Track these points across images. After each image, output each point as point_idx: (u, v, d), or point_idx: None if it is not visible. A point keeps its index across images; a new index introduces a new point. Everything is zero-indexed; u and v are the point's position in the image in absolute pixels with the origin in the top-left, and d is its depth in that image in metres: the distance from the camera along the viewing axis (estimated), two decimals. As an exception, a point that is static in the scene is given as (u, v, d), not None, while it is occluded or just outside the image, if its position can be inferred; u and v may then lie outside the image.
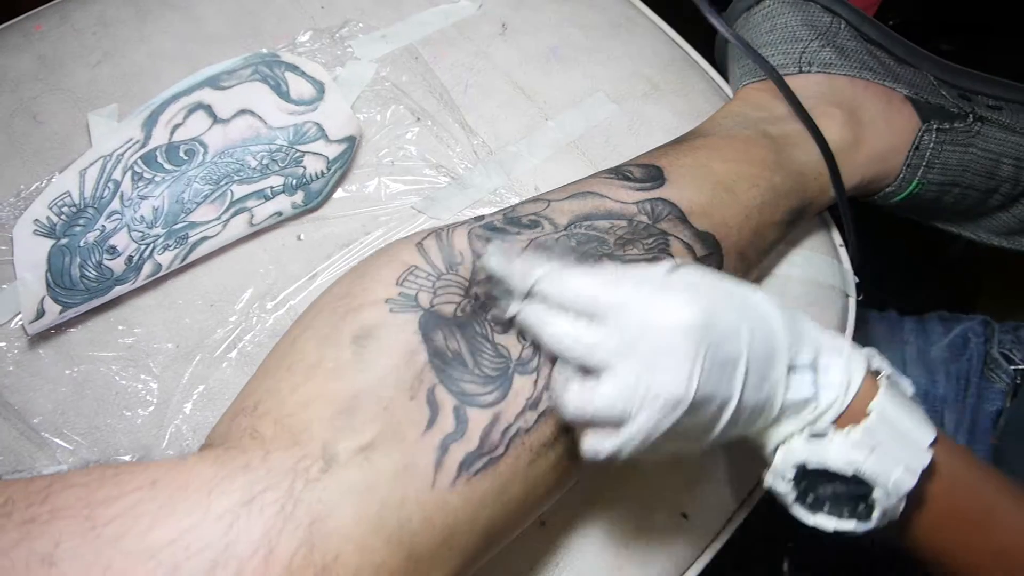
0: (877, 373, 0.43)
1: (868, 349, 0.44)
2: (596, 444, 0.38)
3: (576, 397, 0.38)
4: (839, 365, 0.42)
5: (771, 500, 0.45)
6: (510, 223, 0.47)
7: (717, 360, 0.38)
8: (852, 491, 0.41)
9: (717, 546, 0.51)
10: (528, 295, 0.40)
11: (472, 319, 0.42)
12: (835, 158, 0.57)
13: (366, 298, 0.41)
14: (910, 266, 1.23)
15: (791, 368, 0.40)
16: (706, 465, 0.52)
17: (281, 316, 0.54)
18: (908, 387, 0.44)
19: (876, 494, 0.41)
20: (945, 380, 0.73)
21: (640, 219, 0.49)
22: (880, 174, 0.60)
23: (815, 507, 0.42)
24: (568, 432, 0.42)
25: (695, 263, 0.45)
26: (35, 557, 0.30)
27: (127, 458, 0.50)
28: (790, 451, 0.42)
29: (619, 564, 0.49)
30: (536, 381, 0.41)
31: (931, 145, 0.60)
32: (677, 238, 0.49)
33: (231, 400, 0.42)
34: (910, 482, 0.41)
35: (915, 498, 0.42)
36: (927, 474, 0.41)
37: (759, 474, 0.53)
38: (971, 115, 0.61)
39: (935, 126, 0.60)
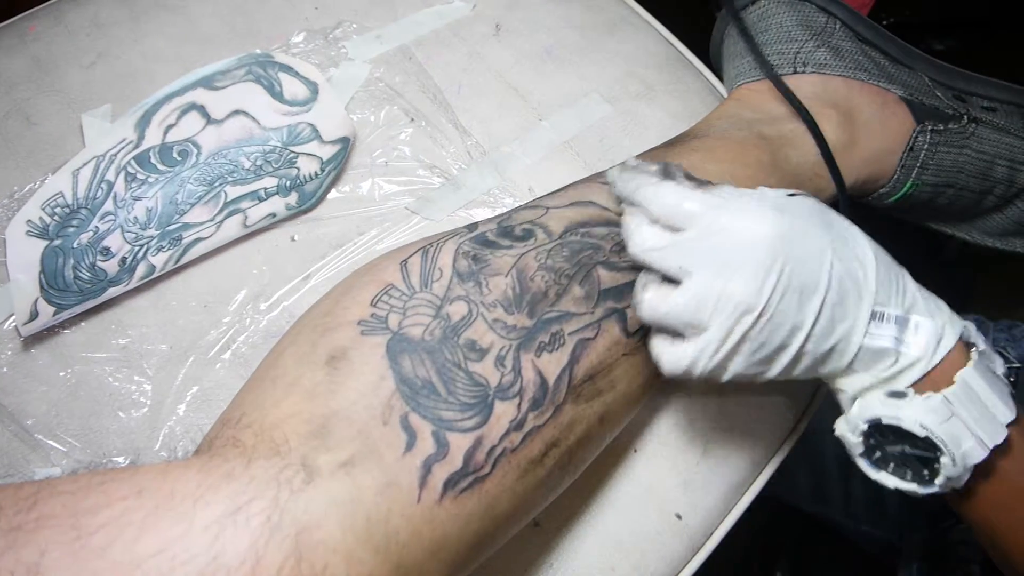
0: (971, 346, 0.43)
1: (968, 321, 0.44)
2: (666, 351, 0.41)
3: (651, 298, 0.41)
4: (929, 327, 0.42)
5: (766, 504, 0.46)
6: (503, 234, 0.47)
7: (795, 281, 0.39)
8: (920, 454, 0.42)
9: (711, 547, 0.51)
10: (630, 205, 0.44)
11: (442, 345, 0.41)
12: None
13: (344, 318, 0.41)
14: (905, 266, 1.24)
15: (876, 315, 0.41)
16: (700, 466, 0.52)
17: (275, 317, 0.54)
18: (999, 365, 0.44)
19: (943, 460, 0.41)
20: None
21: (635, 223, 0.49)
22: (875, 175, 0.60)
23: (880, 464, 0.43)
24: (557, 446, 0.41)
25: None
26: (21, 567, 0.30)
27: (120, 459, 0.50)
28: (866, 405, 0.42)
29: (612, 564, 0.49)
30: (519, 404, 0.40)
31: (925, 146, 0.60)
32: (672, 241, 0.49)
33: (225, 401, 0.43)
34: (980, 455, 0.41)
35: (983, 472, 0.42)
36: (1000, 451, 0.41)
37: (755, 475, 0.53)
38: (965, 116, 0.61)
39: (929, 127, 0.60)
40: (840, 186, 0.57)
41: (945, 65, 0.64)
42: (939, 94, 0.62)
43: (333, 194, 0.59)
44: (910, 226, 0.71)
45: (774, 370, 0.41)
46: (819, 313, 0.40)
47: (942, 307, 0.43)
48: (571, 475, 0.44)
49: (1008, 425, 0.42)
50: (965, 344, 0.43)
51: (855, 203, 0.64)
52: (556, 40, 0.68)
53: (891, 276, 0.42)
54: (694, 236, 0.40)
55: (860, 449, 0.43)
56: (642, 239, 0.41)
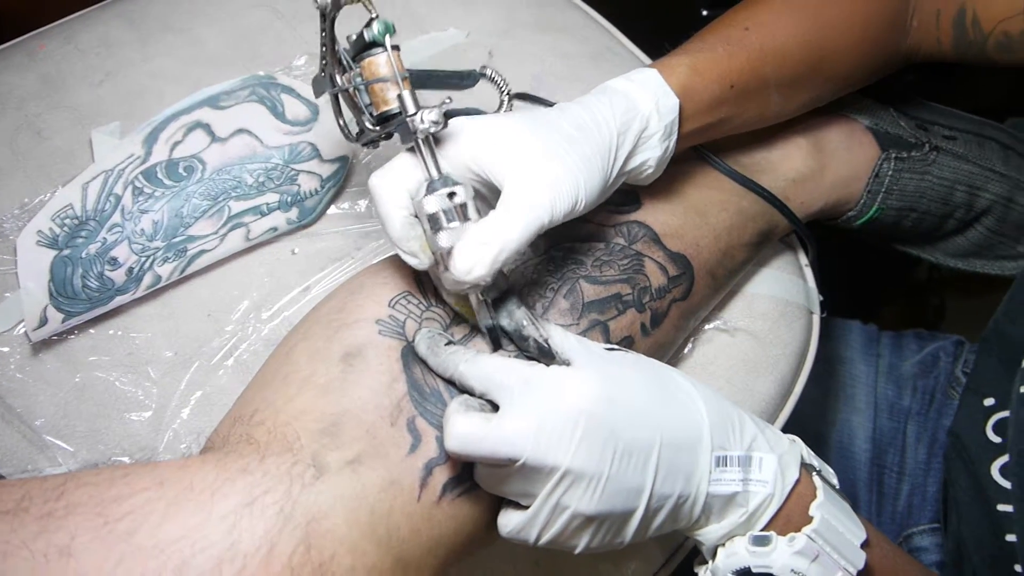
0: (810, 467, 0.44)
1: (798, 441, 0.45)
2: (505, 520, 0.41)
3: (480, 472, 0.40)
4: (772, 461, 0.42)
5: None
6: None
7: (622, 445, 0.38)
8: None
9: (689, 546, 0.54)
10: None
11: None
12: (800, 184, 0.61)
13: (360, 315, 0.44)
14: (880, 286, 1.28)
15: (720, 460, 0.41)
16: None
17: (276, 326, 0.57)
18: (833, 477, 0.46)
19: None
20: (912, 394, 0.77)
21: (617, 241, 0.53)
22: (843, 199, 0.64)
23: None
24: None
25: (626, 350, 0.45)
26: (53, 549, 0.32)
27: (125, 460, 0.52)
28: (732, 554, 0.42)
29: (594, 563, 0.52)
30: None
31: (890, 173, 0.64)
32: (651, 259, 0.52)
33: (227, 406, 0.45)
34: None
35: None
36: (863, 574, 0.43)
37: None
38: (927, 145, 0.65)
39: (893, 155, 0.64)
40: (792, 217, 0.61)
41: (909, 96, 0.68)
42: (903, 124, 0.66)
43: (332, 210, 0.62)
44: (881, 251, 0.75)
45: (628, 534, 0.41)
46: (656, 471, 0.39)
47: (779, 436, 0.44)
48: None
49: (862, 546, 0.43)
50: (805, 466, 0.44)
51: (828, 227, 0.68)
52: (544, 68, 0.71)
53: (725, 417, 0.42)
54: (516, 415, 0.38)
55: None
56: (458, 431, 0.38)
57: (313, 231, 0.61)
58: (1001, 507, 0.58)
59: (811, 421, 0.75)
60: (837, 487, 0.46)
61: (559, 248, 0.51)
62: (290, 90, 0.64)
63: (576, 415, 0.38)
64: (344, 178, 0.63)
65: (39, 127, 0.63)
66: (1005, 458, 0.59)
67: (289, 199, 0.61)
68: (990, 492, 0.59)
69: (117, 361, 0.55)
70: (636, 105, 0.49)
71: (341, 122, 0.49)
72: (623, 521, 0.40)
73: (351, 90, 0.44)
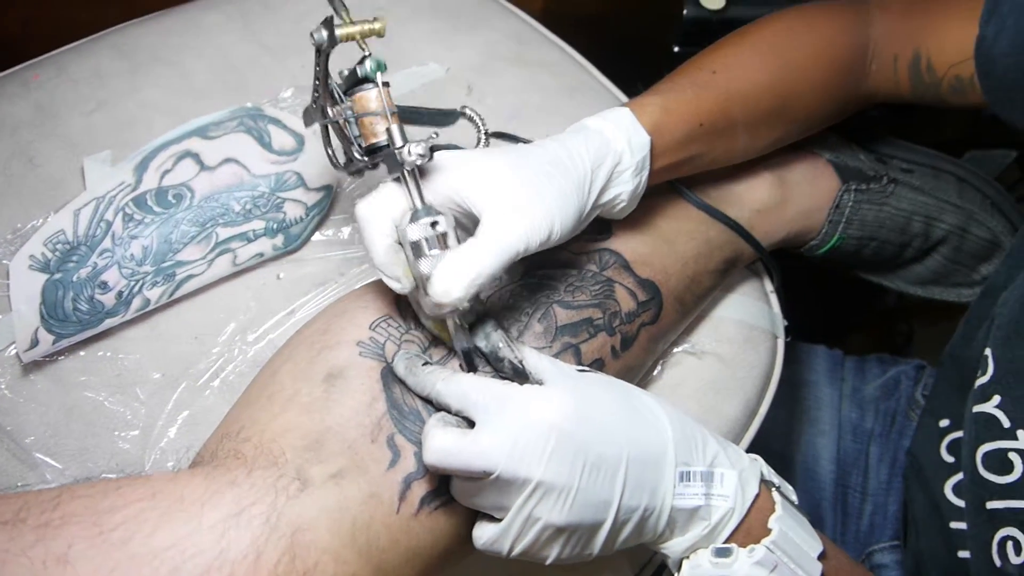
0: (769, 483, 0.47)
1: (758, 459, 0.47)
2: (476, 528, 0.43)
3: (457, 485, 0.42)
4: (733, 477, 0.44)
5: None
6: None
7: (591, 459, 0.40)
8: None
9: (658, 561, 0.56)
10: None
11: None
12: (764, 214, 0.64)
13: (342, 337, 0.46)
14: (850, 314, 1.32)
15: (683, 475, 0.43)
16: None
17: (261, 348, 0.59)
18: (792, 493, 0.48)
19: None
20: (874, 416, 0.79)
21: (589, 268, 0.55)
22: (805, 229, 0.67)
23: None
24: None
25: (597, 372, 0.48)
26: (51, 556, 0.34)
27: (113, 477, 0.54)
28: (697, 567, 0.44)
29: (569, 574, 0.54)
30: None
31: (850, 203, 0.67)
32: (621, 284, 0.55)
33: (213, 425, 0.47)
34: None
35: None
36: None
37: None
38: (886, 177, 0.69)
39: (853, 187, 0.68)
40: (756, 245, 0.64)
41: (869, 131, 0.72)
42: (862, 157, 0.70)
43: (317, 237, 0.64)
44: (851, 280, 0.78)
45: (596, 546, 0.43)
46: (624, 485, 0.41)
47: (740, 454, 0.47)
48: None
49: (819, 558, 0.45)
50: (764, 482, 0.46)
51: (796, 255, 0.71)
52: (521, 101, 0.74)
53: (689, 435, 0.45)
54: (490, 431, 0.40)
55: None
56: (436, 444, 0.40)
57: (298, 257, 0.63)
58: (954, 524, 0.61)
59: (778, 442, 0.78)
60: (796, 503, 0.48)
61: (533, 275, 0.53)
62: (277, 121, 0.66)
63: (548, 430, 0.40)
64: (328, 206, 0.65)
65: (32, 154, 0.65)
66: (958, 477, 0.62)
67: (275, 226, 0.63)
68: (944, 510, 0.62)
69: (106, 382, 0.57)
70: (609, 142, 0.51)
71: (329, 151, 0.52)
72: (592, 532, 0.42)
73: (342, 122, 0.47)
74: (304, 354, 0.46)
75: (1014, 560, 0.50)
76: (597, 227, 0.58)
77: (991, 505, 0.53)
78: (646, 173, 0.54)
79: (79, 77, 0.69)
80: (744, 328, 0.65)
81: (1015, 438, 0.52)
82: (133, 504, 0.36)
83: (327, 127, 0.50)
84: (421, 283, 0.43)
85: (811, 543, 0.46)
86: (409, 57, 0.75)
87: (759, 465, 0.47)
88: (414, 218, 0.43)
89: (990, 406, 0.54)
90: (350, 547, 0.39)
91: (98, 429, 0.55)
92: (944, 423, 0.65)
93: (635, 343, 0.54)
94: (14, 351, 0.57)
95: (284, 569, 0.36)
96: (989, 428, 0.54)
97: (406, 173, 0.44)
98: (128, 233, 0.60)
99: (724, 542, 0.45)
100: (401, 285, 0.44)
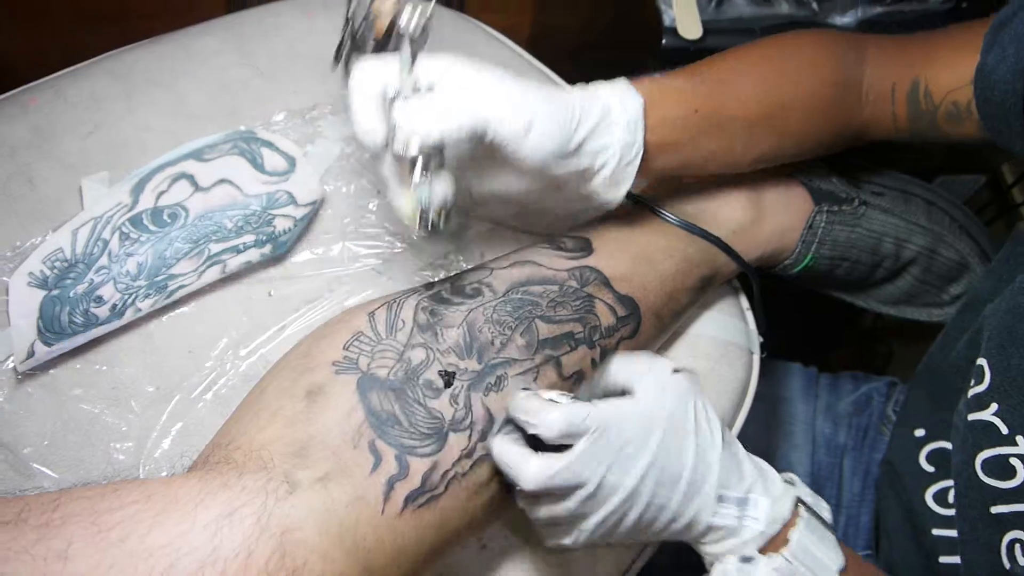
0: (801, 502, 0.51)
1: (793, 480, 0.52)
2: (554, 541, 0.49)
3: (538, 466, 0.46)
4: (766, 504, 0.49)
5: None
6: (455, 292, 0.55)
7: (665, 475, 0.47)
8: None
9: (638, 566, 0.58)
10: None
11: (405, 384, 0.49)
12: (739, 234, 0.67)
13: (320, 359, 0.49)
14: (830, 334, 1.34)
15: (721, 498, 0.48)
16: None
17: (253, 362, 0.61)
18: (826, 512, 0.52)
19: None
20: (847, 431, 0.82)
21: (570, 284, 0.57)
22: (779, 249, 0.70)
23: None
24: (502, 472, 0.49)
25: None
26: (52, 553, 0.36)
27: (108, 487, 0.55)
28: (724, 572, 0.49)
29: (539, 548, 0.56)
30: (470, 436, 0.48)
31: (822, 225, 0.70)
32: (601, 301, 0.57)
33: (206, 437, 0.49)
34: None
35: None
36: None
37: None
38: (857, 200, 0.71)
39: (826, 208, 0.70)
40: (740, 261, 0.66)
41: (842, 156, 0.74)
42: (835, 180, 0.72)
43: (307, 255, 0.66)
44: (830, 300, 0.81)
45: (635, 536, 0.49)
46: (683, 496, 0.47)
47: (775, 481, 0.51)
48: (513, 500, 0.51)
49: (841, 572, 0.49)
50: (800, 502, 0.51)
51: (768, 274, 0.74)
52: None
53: (733, 462, 0.49)
54: (585, 448, 0.45)
55: None
56: (536, 470, 0.45)
57: (288, 274, 0.65)
58: (937, 532, 0.63)
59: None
60: (827, 520, 0.51)
61: (516, 291, 0.56)
62: (269, 143, 0.69)
63: (637, 456, 0.46)
64: (315, 214, 0.67)
65: (31, 175, 0.67)
66: (939, 485, 0.64)
67: (264, 237, 0.65)
68: (924, 518, 0.64)
69: (102, 395, 0.58)
70: (599, 94, 0.55)
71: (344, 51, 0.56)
72: (637, 528, 0.48)
73: (360, 23, 0.52)
74: (288, 375, 0.49)
75: (1022, 562, 0.52)
76: (577, 244, 0.60)
77: (996, 510, 0.55)
78: (639, 139, 0.56)
79: (76, 100, 0.71)
80: (720, 344, 0.67)
81: (1015, 444, 0.54)
82: (130, 505, 0.38)
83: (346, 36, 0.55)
84: (392, 133, 0.48)
85: (832, 556, 0.49)
86: (398, 82, 0.77)
87: (795, 491, 0.51)
88: (402, 81, 0.48)
89: (987, 414, 0.56)
90: (338, 546, 0.41)
91: (94, 440, 0.56)
92: (919, 433, 0.67)
93: None
94: (11, 364, 0.58)
95: (274, 567, 0.38)
96: (987, 435, 0.55)
97: (405, 40, 0.48)
98: (124, 251, 0.62)
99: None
100: (375, 134, 0.48)
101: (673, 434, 0.47)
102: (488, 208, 0.67)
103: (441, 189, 0.51)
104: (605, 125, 0.54)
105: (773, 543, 0.49)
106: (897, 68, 0.65)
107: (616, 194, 0.58)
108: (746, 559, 0.49)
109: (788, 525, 0.49)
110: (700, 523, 0.48)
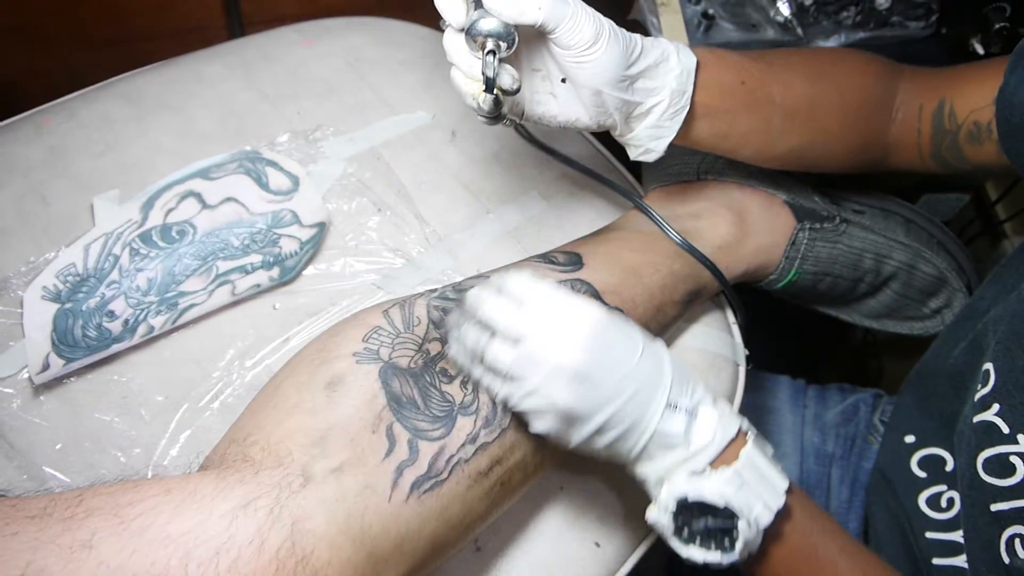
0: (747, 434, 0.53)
1: (744, 419, 0.54)
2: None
3: (496, 349, 0.49)
4: (713, 416, 0.51)
5: None
6: (459, 294, 0.58)
7: (613, 360, 0.49)
8: (721, 524, 0.50)
9: (624, 571, 0.60)
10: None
11: (423, 371, 0.52)
12: (725, 250, 0.70)
13: (338, 351, 0.51)
14: (821, 350, 1.37)
15: (671, 405, 0.50)
16: (616, 503, 0.62)
17: (259, 372, 0.63)
18: (769, 449, 0.54)
19: (740, 525, 0.50)
20: (835, 440, 0.84)
21: (562, 296, 0.60)
22: (763, 264, 0.73)
23: (688, 540, 0.51)
24: (500, 464, 0.51)
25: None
26: (77, 543, 0.38)
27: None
28: (673, 485, 0.51)
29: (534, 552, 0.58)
30: (475, 420, 0.51)
31: (805, 241, 0.73)
32: (592, 312, 0.60)
33: (212, 443, 0.51)
34: (768, 517, 0.51)
35: (772, 536, 0.52)
36: (782, 515, 0.51)
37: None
38: (838, 217, 0.74)
39: (808, 226, 0.73)
40: (721, 279, 0.69)
41: (825, 175, 0.78)
42: (816, 198, 0.75)
43: (310, 270, 0.69)
44: (819, 318, 0.83)
45: (580, 435, 0.50)
46: (629, 395, 0.49)
47: (726, 407, 0.53)
48: (509, 496, 0.53)
49: (785, 493, 0.52)
50: (745, 434, 0.53)
51: (754, 290, 0.77)
52: (502, 146, 0.80)
53: (684, 380, 0.52)
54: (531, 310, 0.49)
55: (671, 529, 0.51)
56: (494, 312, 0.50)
57: (292, 289, 0.68)
58: (931, 535, 0.65)
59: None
60: (771, 453, 0.54)
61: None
62: (274, 163, 0.72)
63: (580, 326, 0.49)
64: (321, 241, 0.70)
65: (44, 193, 0.69)
66: (932, 490, 0.67)
67: (271, 259, 0.67)
68: (918, 523, 0.67)
69: (113, 403, 0.61)
70: (661, 41, 0.58)
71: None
72: (584, 420, 0.49)
73: None
74: (305, 369, 0.51)
75: (1022, 555, 0.54)
76: (570, 259, 0.63)
77: (995, 507, 0.56)
78: (689, 90, 0.59)
79: (88, 122, 0.74)
80: (707, 356, 0.70)
81: (1016, 442, 0.55)
82: (150, 498, 0.40)
83: None
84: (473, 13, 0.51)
85: (778, 479, 0.52)
86: (397, 106, 0.81)
87: (740, 418, 0.53)
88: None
89: (990, 414, 0.58)
90: (345, 535, 0.43)
91: (105, 446, 0.59)
92: (910, 439, 0.70)
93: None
94: (27, 375, 0.60)
95: (285, 554, 0.40)
96: (989, 435, 0.57)
97: None
98: (134, 266, 0.65)
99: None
100: (457, 12, 0.52)
101: (623, 331, 0.50)
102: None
103: (508, 73, 0.54)
104: (663, 67, 0.58)
105: (722, 458, 0.51)
106: (926, 91, 0.69)
107: (658, 146, 0.61)
108: (696, 472, 0.50)
109: (737, 443, 0.51)
110: (648, 426, 0.49)
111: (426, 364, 0.52)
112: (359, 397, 0.48)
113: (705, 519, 0.50)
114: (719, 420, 0.51)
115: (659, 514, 0.51)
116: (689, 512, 0.50)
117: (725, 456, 0.51)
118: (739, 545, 0.50)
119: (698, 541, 0.50)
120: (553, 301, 0.50)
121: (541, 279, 0.51)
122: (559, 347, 0.48)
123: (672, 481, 0.51)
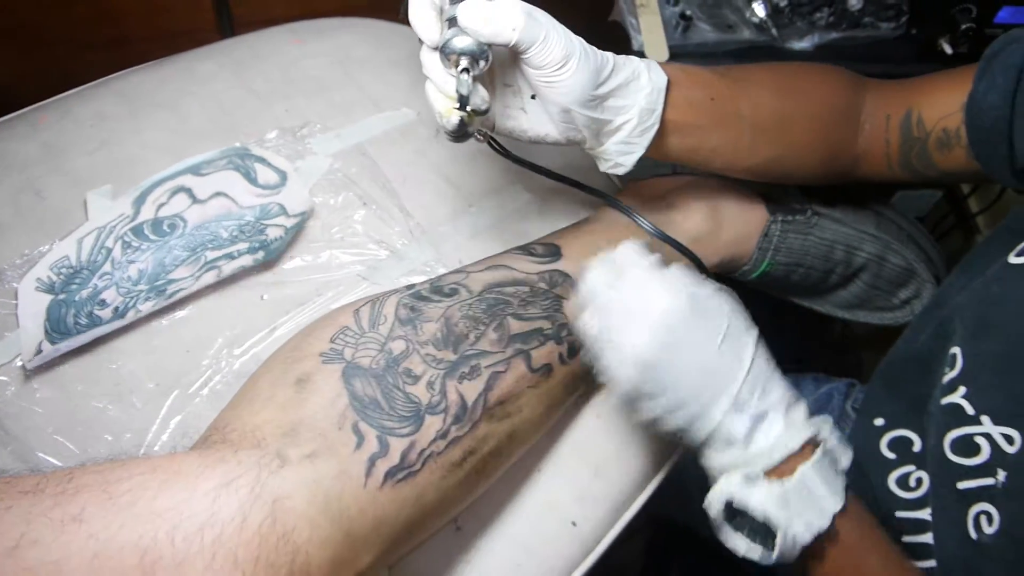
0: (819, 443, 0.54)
1: (821, 420, 0.54)
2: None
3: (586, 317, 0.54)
4: (778, 426, 0.52)
5: (665, 527, 0.57)
6: (434, 291, 0.60)
7: (686, 351, 0.51)
8: (763, 529, 0.52)
9: (600, 550, 0.62)
10: None
11: (385, 372, 0.53)
12: (700, 241, 0.72)
13: (308, 351, 0.54)
14: (799, 343, 1.39)
15: (736, 406, 0.51)
16: (592, 483, 0.64)
17: (246, 360, 0.65)
18: (845, 460, 0.55)
19: (778, 538, 0.51)
20: None
21: (540, 286, 0.62)
22: (737, 255, 0.75)
23: (739, 527, 0.53)
24: (474, 454, 0.53)
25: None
26: (67, 516, 0.40)
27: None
28: (727, 483, 0.52)
29: (519, 562, 0.60)
30: (445, 419, 0.53)
31: (777, 233, 0.75)
32: (568, 301, 0.62)
33: (202, 429, 0.53)
34: (807, 537, 0.51)
35: (812, 553, 0.53)
36: (826, 536, 0.52)
37: (639, 491, 0.65)
38: (810, 210, 0.77)
39: (780, 218, 0.75)
40: (700, 266, 0.71)
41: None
42: (789, 192, 0.78)
43: (297, 262, 0.71)
44: (797, 313, 0.86)
45: (643, 417, 0.52)
46: (698, 385, 0.50)
47: (799, 416, 0.54)
48: (485, 481, 0.56)
49: (837, 515, 0.52)
50: (815, 442, 0.53)
51: (729, 280, 0.79)
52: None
53: (761, 379, 0.52)
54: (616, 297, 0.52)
55: (720, 519, 0.53)
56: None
57: (280, 280, 0.70)
58: (901, 514, 0.68)
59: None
60: (844, 467, 0.54)
61: (490, 291, 0.60)
62: (262, 159, 0.74)
63: (653, 315, 0.52)
64: (304, 225, 0.72)
65: (39, 188, 0.71)
66: (901, 471, 0.69)
67: (257, 245, 0.69)
68: (887, 503, 0.69)
69: (106, 391, 0.63)
70: (632, 59, 0.59)
71: None
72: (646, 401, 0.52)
73: None
74: (279, 367, 0.54)
75: (988, 530, 0.56)
76: (548, 251, 0.65)
77: (962, 486, 0.59)
78: (659, 110, 0.60)
79: (83, 119, 0.76)
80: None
81: (979, 423, 0.58)
82: (137, 476, 0.42)
83: None
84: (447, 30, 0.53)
85: (831, 500, 0.52)
86: (383, 103, 0.83)
87: (814, 429, 0.54)
88: None
89: (956, 396, 0.60)
90: (323, 514, 0.45)
91: (98, 432, 0.61)
92: (879, 422, 0.72)
93: (580, 351, 0.61)
94: (20, 363, 0.63)
95: (266, 530, 0.42)
96: (956, 416, 0.60)
97: None
98: (126, 258, 0.67)
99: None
100: (430, 30, 0.53)
101: (704, 315, 0.52)
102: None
103: (479, 95, 0.55)
104: (633, 86, 0.59)
105: (779, 470, 0.52)
106: (893, 101, 0.71)
107: (628, 160, 0.63)
108: (748, 479, 0.51)
109: (800, 458, 0.52)
110: (705, 424, 0.51)
111: (388, 365, 0.53)
112: (324, 396, 0.50)
113: (750, 520, 0.52)
114: (784, 430, 0.52)
115: (711, 504, 0.54)
116: (734, 511, 0.53)
117: (782, 468, 0.52)
118: (775, 554, 0.51)
119: (747, 531, 0.53)
120: (644, 280, 0.52)
121: (647, 253, 0.53)
122: (631, 331, 0.50)
123: (728, 479, 0.53)
